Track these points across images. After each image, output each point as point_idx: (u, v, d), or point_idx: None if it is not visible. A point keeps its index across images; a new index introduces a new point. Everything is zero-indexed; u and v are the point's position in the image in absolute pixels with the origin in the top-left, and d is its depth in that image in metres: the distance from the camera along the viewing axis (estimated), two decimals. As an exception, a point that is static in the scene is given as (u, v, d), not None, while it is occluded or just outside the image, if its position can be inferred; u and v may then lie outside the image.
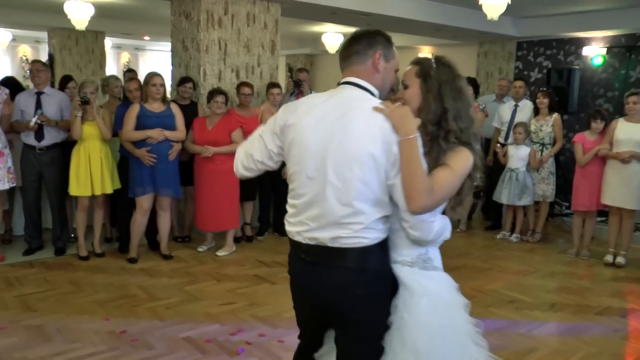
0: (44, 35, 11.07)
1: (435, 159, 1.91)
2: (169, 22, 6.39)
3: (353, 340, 1.99)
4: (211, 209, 5.21)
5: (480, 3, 6.01)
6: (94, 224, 5.23)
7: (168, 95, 7.35)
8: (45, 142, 5.05)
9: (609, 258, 5.48)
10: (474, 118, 2.00)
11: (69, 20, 7.48)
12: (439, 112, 1.93)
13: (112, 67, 13.78)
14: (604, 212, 5.85)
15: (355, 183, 1.84)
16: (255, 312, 4.05)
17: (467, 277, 4.93)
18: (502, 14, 6.12)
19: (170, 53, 6.41)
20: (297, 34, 11.64)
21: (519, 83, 6.67)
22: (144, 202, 4.97)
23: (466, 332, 2.00)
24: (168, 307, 4.11)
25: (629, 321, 4.16)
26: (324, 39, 10.71)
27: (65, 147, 5.12)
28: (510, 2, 5.89)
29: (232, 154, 5.41)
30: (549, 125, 6.02)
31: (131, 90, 5.12)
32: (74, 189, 4.94)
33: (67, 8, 7.23)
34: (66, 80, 5.73)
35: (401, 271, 1.96)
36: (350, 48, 2.01)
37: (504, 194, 6.08)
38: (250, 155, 2.15)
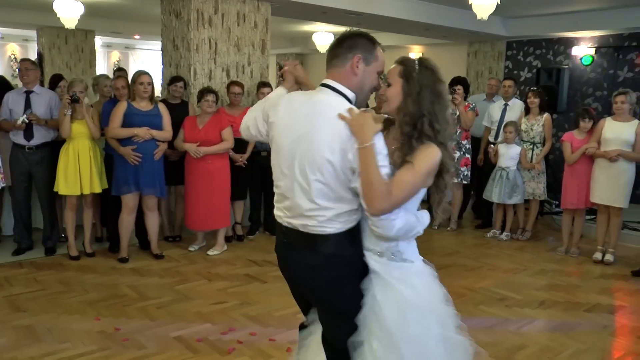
0: (32, 33, 10.99)
1: (404, 155, 1.99)
2: (159, 21, 6.37)
3: (327, 315, 2.18)
4: (202, 208, 5.20)
5: (470, 3, 6.03)
6: (83, 224, 5.21)
7: (159, 94, 7.35)
8: (35, 142, 5.02)
9: (597, 256, 5.53)
10: (449, 120, 2.06)
11: (58, 18, 7.42)
12: (416, 114, 1.99)
13: (102, 66, 13.70)
14: (592, 211, 5.90)
15: (317, 184, 1.99)
16: (246, 311, 4.05)
17: (458, 276, 4.96)
18: (491, 14, 6.15)
19: (161, 52, 6.39)
20: (288, 33, 11.64)
21: (508, 82, 6.71)
22: (129, 201, 4.95)
23: (435, 315, 2.07)
24: (159, 307, 4.10)
25: (617, 318, 4.20)
26: (314, 38, 10.72)
27: (55, 147, 5.09)
28: (499, 2, 5.92)
29: (223, 153, 5.46)
30: (539, 124, 6.06)
31: (118, 88, 5.10)
32: (62, 188, 4.92)
33: (57, 7, 7.18)
34: (57, 79, 5.70)
35: (371, 259, 2.09)
36: (333, 51, 2.10)
37: (495, 193, 6.11)
38: (249, 127, 2.35)
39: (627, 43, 8.07)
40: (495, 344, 3.63)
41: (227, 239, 5.68)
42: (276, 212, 2.19)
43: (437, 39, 9.77)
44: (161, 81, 6.47)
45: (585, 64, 8.42)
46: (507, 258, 5.60)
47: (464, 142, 6.37)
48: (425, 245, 5.97)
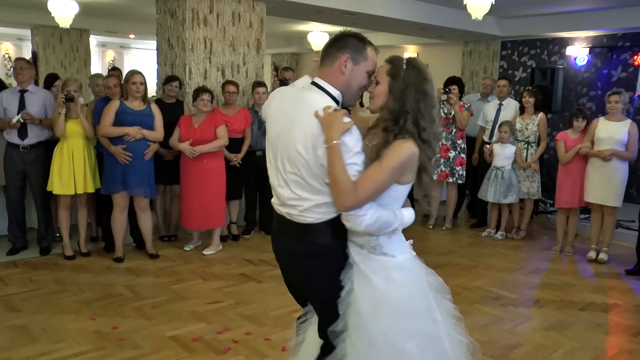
0: (27, 32, 10.95)
1: (378, 151, 2.04)
2: (154, 20, 6.36)
3: (311, 300, 2.30)
4: (198, 207, 5.20)
5: (464, 3, 6.05)
6: (78, 223, 5.19)
7: (154, 93, 7.34)
8: (29, 141, 5.00)
9: (592, 254, 5.56)
10: (436, 119, 2.09)
11: (53, 18, 7.39)
12: (397, 111, 2.04)
13: (97, 66, 13.66)
14: (587, 210, 5.93)
15: (293, 176, 2.10)
16: (241, 311, 4.05)
17: (453, 275, 4.97)
18: (486, 14, 6.17)
19: (156, 51, 6.38)
20: (283, 33, 11.64)
21: (503, 82, 6.74)
22: (119, 200, 4.94)
23: (410, 311, 2.09)
24: (154, 306, 4.09)
25: (611, 316, 4.23)
26: (309, 37, 10.72)
27: (50, 146, 5.08)
28: (494, 2, 5.94)
29: (218, 153, 5.47)
30: (534, 124, 6.09)
31: (110, 86, 5.08)
32: (57, 188, 4.90)
33: (51, 6, 7.15)
34: (52, 78, 5.68)
35: (353, 250, 2.15)
36: (324, 51, 2.16)
37: (490, 192, 6.13)
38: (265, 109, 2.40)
39: (621, 43, 8.11)
40: (490, 342, 3.65)
41: (223, 239, 5.68)
42: (272, 199, 2.29)
43: (432, 39, 9.79)
44: (156, 80, 6.45)
45: (578, 64, 8.45)
46: (502, 257, 5.62)
47: (459, 141, 6.40)
48: (421, 244, 6.05)
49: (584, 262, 5.52)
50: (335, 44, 2.13)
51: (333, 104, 2.08)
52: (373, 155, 2.04)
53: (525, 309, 4.27)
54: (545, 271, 5.23)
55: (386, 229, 2.06)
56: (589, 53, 8.39)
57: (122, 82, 4.98)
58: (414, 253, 2.27)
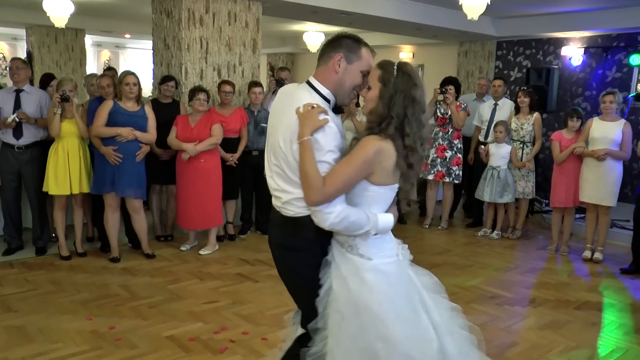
0: (21, 32, 10.91)
1: (352, 147, 2.11)
2: (150, 20, 6.35)
3: (291, 293, 2.35)
4: (194, 207, 5.19)
5: (460, 3, 6.06)
6: (74, 224, 5.18)
7: (149, 93, 7.33)
8: (24, 141, 4.99)
9: (587, 254, 5.59)
10: (424, 123, 2.12)
11: (48, 17, 7.36)
12: (383, 115, 2.07)
13: (93, 65, 13.62)
14: (582, 209, 5.96)
15: (276, 168, 2.19)
16: (238, 310, 4.05)
17: (449, 274, 4.99)
18: (481, 14, 6.19)
19: (152, 51, 6.37)
20: (279, 33, 11.64)
21: (498, 82, 6.76)
22: (111, 200, 4.92)
23: (376, 315, 2.09)
24: (151, 306, 4.09)
25: (606, 315, 4.25)
26: (305, 37, 10.71)
27: (45, 146, 5.06)
28: (489, 3, 5.96)
29: (214, 153, 5.46)
30: (529, 124, 6.11)
31: (103, 86, 5.06)
32: (52, 188, 4.88)
33: (46, 5, 7.12)
34: (48, 78, 5.68)
35: (335, 247, 2.20)
36: (321, 51, 2.22)
37: (486, 192, 6.15)
38: None
39: (616, 43, 8.15)
40: (486, 341, 3.60)
41: (219, 239, 5.68)
42: None
43: (427, 39, 9.81)
44: (152, 80, 6.45)
45: (573, 65, 8.49)
46: (498, 256, 5.64)
47: (456, 141, 6.42)
48: (417, 244, 6.07)
49: (579, 261, 5.55)
50: (331, 44, 2.19)
51: (319, 102, 2.12)
52: (349, 150, 2.11)
53: (521, 308, 4.28)
54: (540, 270, 5.26)
55: (355, 230, 2.08)
56: (584, 53, 8.43)
57: (116, 82, 4.97)
58: (408, 257, 2.28)
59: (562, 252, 5.76)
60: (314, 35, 10.54)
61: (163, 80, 5.60)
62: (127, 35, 12.57)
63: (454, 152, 6.40)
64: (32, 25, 9.83)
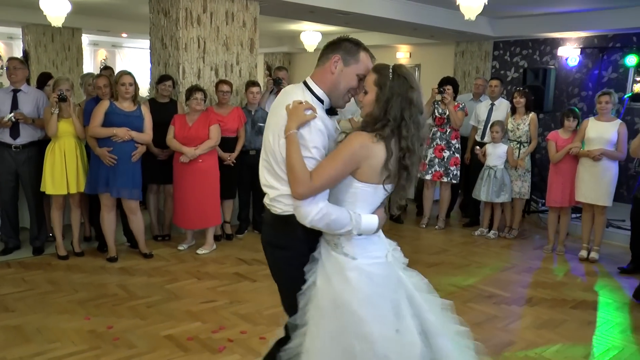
0: (17, 31, 10.87)
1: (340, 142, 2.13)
2: (147, 19, 6.35)
3: (279, 289, 2.36)
4: (193, 206, 5.19)
5: (457, 3, 6.08)
6: (71, 223, 5.17)
7: (146, 93, 7.32)
8: (22, 140, 4.98)
9: (583, 253, 5.61)
10: (421, 125, 2.12)
11: (44, 16, 7.35)
12: (379, 118, 2.08)
13: (89, 64, 13.58)
14: (578, 209, 5.99)
15: (265, 163, 2.23)
16: (236, 310, 4.06)
17: (446, 273, 5.01)
18: (478, 14, 6.21)
19: (149, 51, 6.37)
20: (275, 33, 11.63)
21: (494, 82, 6.78)
22: (107, 199, 4.92)
23: (352, 313, 2.09)
24: (149, 306, 4.09)
25: (602, 314, 4.28)
26: (302, 37, 10.72)
27: (42, 146, 5.05)
28: (487, 3, 5.98)
29: (211, 152, 5.46)
30: (525, 124, 6.13)
31: (100, 86, 5.05)
32: (49, 188, 4.87)
33: (43, 4, 7.11)
34: (45, 78, 5.66)
35: (322, 245, 2.21)
36: (320, 53, 2.25)
37: (483, 191, 6.18)
38: None
39: (612, 44, 8.18)
40: (483, 340, 3.63)
41: (216, 238, 5.69)
42: None
43: (424, 39, 9.83)
44: (149, 80, 6.44)
45: (570, 65, 8.53)
46: (495, 256, 5.66)
47: (454, 141, 6.44)
48: (414, 243, 6.09)
49: (576, 260, 5.57)
50: (331, 45, 2.21)
51: (311, 101, 2.14)
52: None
53: (518, 307, 4.31)
54: (537, 270, 5.28)
55: (337, 229, 2.08)
56: (580, 54, 8.46)
57: (112, 82, 4.96)
58: (401, 260, 2.28)
59: (559, 251, 5.79)
60: (311, 35, 10.55)
61: (160, 79, 5.60)
62: (124, 35, 12.54)
63: (451, 152, 6.42)
64: (29, 24, 9.80)
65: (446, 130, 6.41)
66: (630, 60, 7.62)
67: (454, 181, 6.50)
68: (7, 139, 4.94)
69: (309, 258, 2.22)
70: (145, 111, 4.97)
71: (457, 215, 7.32)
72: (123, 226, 5.37)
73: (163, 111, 5.37)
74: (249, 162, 5.71)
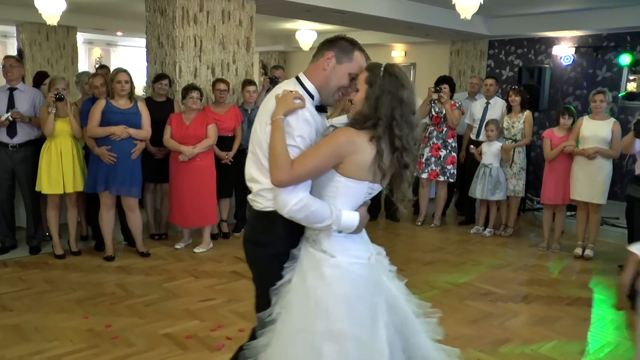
0: (12, 29, 10.82)
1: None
2: (143, 17, 6.34)
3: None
4: (190, 205, 5.20)
5: (453, 3, 6.11)
6: (68, 222, 5.17)
7: (142, 91, 7.31)
8: (18, 139, 4.97)
9: (578, 251, 5.65)
10: (414, 125, 2.10)
11: (39, 14, 7.32)
12: (369, 116, 2.04)
13: (84, 63, 13.53)
14: (573, 207, 6.03)
15: (251, 155, 2.20)
16: (234, 308, 4.07)
17: (442, 271, 5.04)
18: (474, 14, 6.24)
19: (145, 49, 6.36)
20: (271, 31, 11.63)
21: (490, 81, 6.81)
22: (106, 198, 4.92)
23: (326, 312, 2.04)
24: (147, 305, 4.10)
25: (597, 311, 4.32)
26: (297, 36, 10.71)
27: (39, 145, 5.04)
28: (482, 2, 6.00)
29: (208, 151, 5.46)
30: (520, 122, 6.17)
31: (97, 85, 5.06)
32: (45, 187, 4.86)
33: (38, 3, 7.08)
34: (41, 76, 5.64)
35: (302, 241, 2.19)
36: (315, 50, 2.24)
37: (478, 189, 6.21)
38: None
39: (606, 43, 8.23)
40: (480, 337, 3.71)
41: (213, 237, 5.69)
42: None
43: (420, 38, 9.86)
44: (146, 79, 6.44)
45: (565, 64, 8.57)
46: (490, 254, 5.70)
47: (450, 140, 6.47)
48: (410, 241, 6.11)
49: (571, 258, 5.61)
50: (326, 43, 2.21)
51: (302, 93, 2.12)
52: None
53: (514, 305, 4.34)
54: (532, 267, 5.31)
55: (315, 222, 2.03)
56: (575, 53, 8.51)
57: (108, 80, 4.96)
58: (386, 265, 2.26)
59: (554, 249, 5.83)
60: (306, 33, 10.54)
61: (157, 78, 5.59)
62: (119, 33, 12.50)
63: (448, 150, 6.45)
64: (23, 22, 9.75)
65: (442, 129, 6.44)
66: (624, 59, 7.67)
67: (451, 180, 6.53)
68: (4, 138, 4.93)
69: (289, 257, 2.18)
70: (142, 108, 4.97)
71: (453, 214, 7.35)
72: (121, 225, 5.37)
73: (159, 110, 5.36)
74: (245, 161, 5.71)
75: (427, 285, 4.67)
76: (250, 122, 5.78)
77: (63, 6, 7.27)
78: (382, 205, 6.81)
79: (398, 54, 11.35)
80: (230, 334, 3.63)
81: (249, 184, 2.22)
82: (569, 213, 6.22)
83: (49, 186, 4.86)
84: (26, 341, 3.47)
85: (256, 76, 8.64)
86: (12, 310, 3.94)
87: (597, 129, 5.41)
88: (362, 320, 2.06)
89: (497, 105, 6.63)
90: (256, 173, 2.16)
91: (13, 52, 11.01)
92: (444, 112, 6.35)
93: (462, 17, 6.13)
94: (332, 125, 2.21)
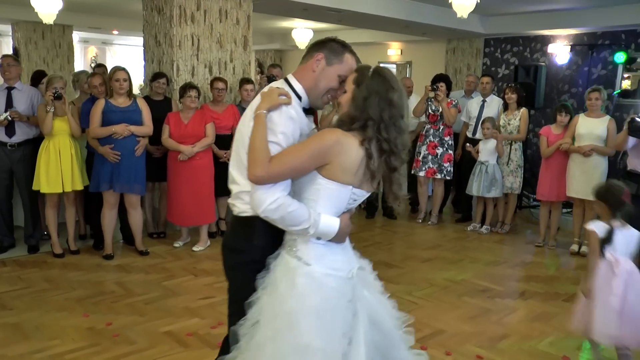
0: (7, 28, 10.78)
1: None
2: (139, 16, 6.34)
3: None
4: (187, 204, 5.21)
5: (449, 1, 6.13)
6: (66, 221, 5.17)
7: (138, 90, 7.30)
8: (17, 139, 4.98)
9: (574, 247, 5.70)
10: (404, 128, 2.02)
11: (35, 13, 7.30)
12: (357, 118, 1.98)
13: (79, 62, 13.50)
14: (569, 204, 6.08)
15: (234, 154, 2.12)
16: (234, 306, 4.08)
17: (440, 268, 5.07)
18: (470, 12, 6.27)
19: (143, 48, 6.36)
20: (267, 30, 11.63)
21: (486, 79, 6.84)
22: (109, 197, 4.94)
23: (302, 326, 1.94)
24: (147, 303, 4.11)
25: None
26: (293, 34, 10.73)
27: (37, 144, 5.04)
28: (479, 1, 6.03)
29: (207, 150, 5.47)
30: (516, 119, 6.21)
31: (96, 85, 5.07)
32: (44, 186, 4.86)
33: (35, 2, 7.07)
34: (39, 75, 5.64)
35: (280, 249, 2.09)
36: (306, 51, 2.19)
37: (474, 187, 6.25)
38: None
39: (601, 41, 8.28)
40: (478, 333, 3.74)
41: (211, 235, 5.70)
42: None
43: (416, 36, 9.88)
44: (143, 77, 6.44)
45: (560, 62, 8.62)
46: (487, 251, 5.73)
47: (447, 138, 6.50)
48: (408, 239, 6.14)
49: (567, 255, 5.66)
50: (316, 45, 2.16)
51: (277, 85, 2.10)
52: None
53: (512, 301, 4.37)
54: (529, 264, 5.36)
55: (292, 224, 1.94)
56: (570, 51, 8.55)
57: (106, 79, 4.97)
58: (371, 284, 2.15)
59: (550, 246, 5.87)
60: (302, 32, 10.56)
61: (154, 77, 5.60)
62: (115, 32, 12.48)
63: (444, 148, 6.48)
64: (18, 21, 9.72)
65: (439, 127, 6.47)
66: (619, 57, 7.73)
67: (448, 177, 6.57)
68: (2, 137, 4.93)
69: (264, 266, 2.07)
70: (142, 104, 4.99)
71: (450, 211, 7.38)
72: (121, 223, 5.37)
73: (157, 108, 5.36)
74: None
75: (426, 282, 4.70)
76: (248, 121, 5.78)
77: (59, 5, 7.26)
78: (380, 203, 6.83)
79: (394, 52, 11.37)
80: (230, 331, 3.64)
81: (230, 186, 2.14)
82: (565, 210, 6.26)
83: (47, 185, 4.86)
84: (27, 339, 3.48)
85: (253, 75, 8.65)
86: (12, 309, 3.94)
87: (592, 127, 5.45)
88: (331, 336, 1.95)
89: (494, 103, 6.66)
90: (236, 174, 2.09)
91: (8, 51, 10.97)
92: (440, 110, 6.38)
93: (458, 15, 6.16)
94: (315, 128, 2.15)
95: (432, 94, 6.36)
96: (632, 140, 4.94)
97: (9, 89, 4.98)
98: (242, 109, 5.78)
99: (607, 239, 3.14)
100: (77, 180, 4.97)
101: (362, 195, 2.06)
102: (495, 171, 6.17)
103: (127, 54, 14.53)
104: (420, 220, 6.75)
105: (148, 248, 5.27)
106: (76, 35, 12.12)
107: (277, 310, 1.96)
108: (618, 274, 3.05)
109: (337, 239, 2.02)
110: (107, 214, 4.98)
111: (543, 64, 8.04)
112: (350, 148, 1.93)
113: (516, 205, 6.67)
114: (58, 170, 4.86)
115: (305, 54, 2.18)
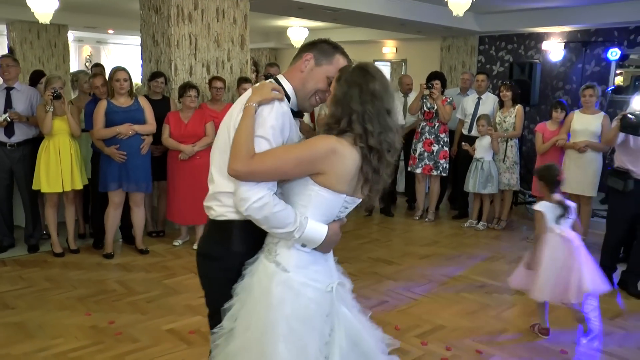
0: (2, 28, 10.76)
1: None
2: (134, 15, 6.36)
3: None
4: (187, 202, 5.22)
5: (445, 0, 6.18)
6: (66, 221, 5.19)
7: (135, 90, 7.30)
8: (16, 139, 4.99)
9: (569, 243, 5.76)
10: (390, 126, 1.90)
11: (30, 13, 7.29)
12: (340, 115, 1.89)
13: (74, 61, 13.47)
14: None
15: (217, 151, 2.02)
16: (235, 303, 4.12)
17: (438, 264, 5.13)
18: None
19: (140, 48, 6.38)
20: (262, 28, 11.66)
21: (481, 77, 6.88)
22: (115, 197, 4.97)
23: (271, 336, 1.85)
24: (148, 301, 4.14)
25: (590, 301, 4.40)
26: (288, 33, 10.76)
27: (37, 143, 5.06)
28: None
29: (207, 148, 5.49)
30: (512, 116, 6.27)
31: (98, 86, 5.10)
32: (44, 186, 4.87)
33: (31, 1, 7.06)
34: (37, 75, 5.65)
35: (260, 252, 1.99)
36: (297, 51, 2.14)
37: (470, 183, 6.31)
38: None
39: (594, 38, 8.36)
40: (477, 328, 3.80)
41: (211, 234, 5.72)
42: None
43: (411, 34, 9.93)
44: (141, 77, 6.46)
45: (554, 59, 8.69)
46: (484, 247, 5.79)
47: (442, 135, 6.55)
48: (405, 235, 6.18)
49: (562, 250, 5.71)
50: (307, 45, 2.11)
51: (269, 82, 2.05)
52: None
53: (509, 296, 4.42)
54: (526, 260, 5.41)
55: (277, 225, 1.82)
56: (564, 48, 8.63)
57: (107, 79, 4.99)
58: (350, 303, 2.03)
59: (546, 241, 5.93)
60: (297, 30, 10.59)
61: (152, 76, 5.62)
62: (110, 31, 12.47)
63: (440, 145, 6.53)
64: (14, 20, 9.71)
65: (435, 125, 6.52)
66: (612, 54, 7.80)
67: (444, 174, 6.62)
68: (1, 137, 4.94)
69: (240, 275, 1.98)
70: (144, 103, 5.02)
71: (446, 208, 7.44)
72: (121, 222, 5.39)
73: (156, 108, 5.36)
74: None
75: (424, 278, 4.75)
76: (246, 120, 5.81)
77: (55, 5, 7.26)
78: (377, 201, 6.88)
79: (389, 50, 11.43)
80: (232, 328, 3.68)
81: (209, 185, 2.05)
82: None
83: (47, 185, 4.87)
84: (30, 338, 3.50)
85: (249, 74, 8.66)
86: (15, 308, 3.97)
87: (587, 123, 5.52)
88: (306, 352, 1.85)
89: (489, 101, 6.71)
90: (214, 173, 2.00)
91: (3, 50, 10.94)
92: (435, 107, 6.43)
93: (454, 14, 6.20)
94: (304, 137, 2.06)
95: (427, 92, 6.41)
96: (620, 137, 4.99)
97: (8, 90, 4.99)
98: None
99: (563, 214, 3.60)
100: (76, 180, 4.98)
101: (354, 202, 1.96)
102: (491, 168, 6.23)
103: (122, 53, 14.52)
104: (417, 217, 6.80)
105: (148, 247, 5.30)
106: (70, 35, 12.11)
107: (249, 320, 1.88)
108: (564, 243, 3.53)
109: (323, 247, 1.91)
110: (111, 213, 5.01)
111: (537, 61, 8.11)
112: (345, 154, 1.83)
113: (512, 202, 6.73)
114: (58, 169, 4.88)
115: (295, 55, 2.13)
